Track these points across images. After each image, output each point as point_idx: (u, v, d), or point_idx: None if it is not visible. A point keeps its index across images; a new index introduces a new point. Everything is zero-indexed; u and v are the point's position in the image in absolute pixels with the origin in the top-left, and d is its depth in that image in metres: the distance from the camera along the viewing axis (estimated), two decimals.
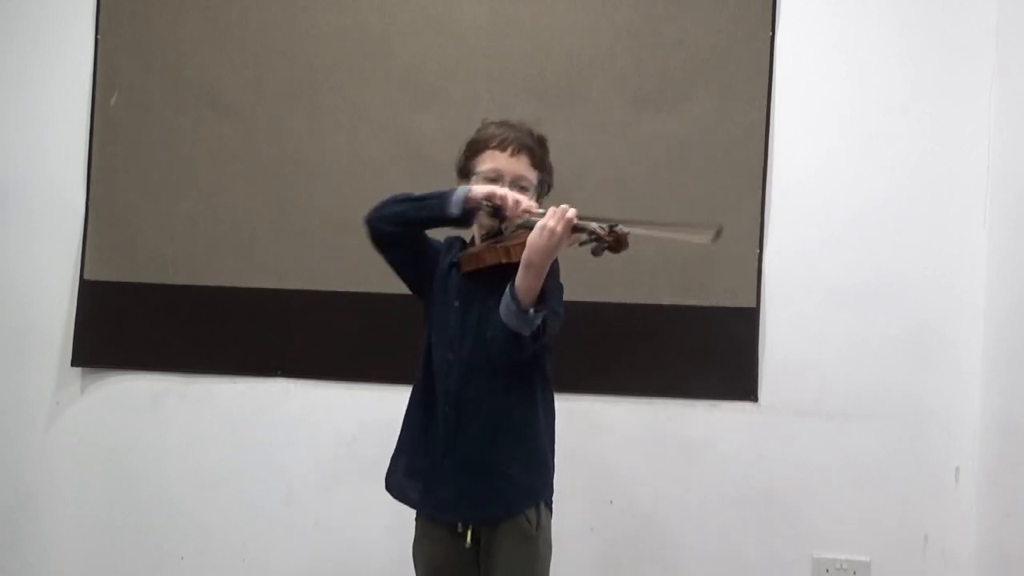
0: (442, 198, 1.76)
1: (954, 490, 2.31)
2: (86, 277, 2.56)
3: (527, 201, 1.73)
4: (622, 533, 2.40)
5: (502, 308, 1.66)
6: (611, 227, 1.66)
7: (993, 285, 2.28)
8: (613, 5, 2.42)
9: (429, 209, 1.78)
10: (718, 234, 1.70)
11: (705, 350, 2.37)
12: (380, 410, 2.42)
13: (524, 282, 1.64)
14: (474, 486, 1.78)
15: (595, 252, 1.68)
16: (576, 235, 1.67)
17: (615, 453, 2.40)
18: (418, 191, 1.82)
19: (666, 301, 2.37)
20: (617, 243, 1.67)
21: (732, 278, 2.37)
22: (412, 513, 1.88)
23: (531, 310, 1.64)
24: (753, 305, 2.37)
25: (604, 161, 2.38)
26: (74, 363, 2.57)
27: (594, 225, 1.67)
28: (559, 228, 1.63)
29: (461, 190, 1.76)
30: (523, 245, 1.65)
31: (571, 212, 1.65)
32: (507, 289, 1.66)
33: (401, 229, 1.81)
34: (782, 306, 2.37)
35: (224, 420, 2.52)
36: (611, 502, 2.40)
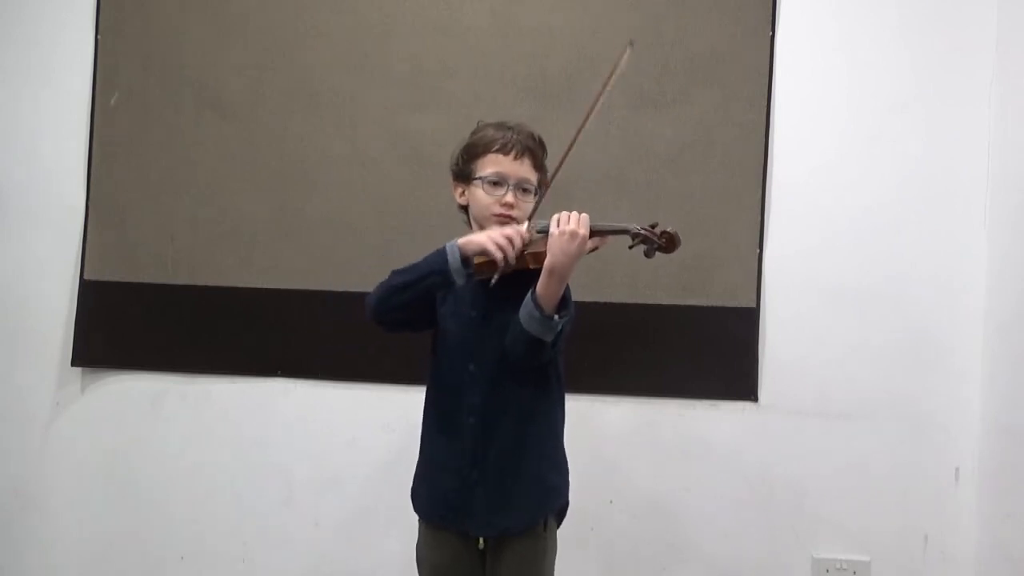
0: (443, 274, 1.68)
1: (954, 490, 2.31)
2: (86, 277, 2.55)
3: (521, 234, 1.66)
4: (622, 533, 2.40)
5: (523, 315, 1.64)
6: (652, 226, 1.66)
7: (993, 286, 2.28)
8: (613, 5, 2.42)
9: (433, 287, 1.71)
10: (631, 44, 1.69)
11: (705, 350, 2.37)
12: (380, 410, 2.45)
13: (548, 289, 1.62)
14: (508, 494, 1.75)
15: (647, 254, 1.68)
16: (603, 239, 1.66)
17: (615, 453, 2.40)
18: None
19: (666, 301, 2.37)
20: (670, 243, 1.66)
21: (732, 278, 2.37)
22: (412, 513, 1.88)
23: (555, 316, 1.63)
24: (753, 305, 2.37)
25: (604, 161, 2.38)
26: (74, 363, 2.56)
27: (636, 227, 1.67)
28: (581, 230, 1.61)
29: (453, 253, 1.67)
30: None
31: (584, 215, 1.64)
32: (528, 296, 1.64)
33: (412, 312, 1.76)
34: (782, 306, 2.37)
35: (224, 420, 2.52)
36: (611, 502, 2.40)
